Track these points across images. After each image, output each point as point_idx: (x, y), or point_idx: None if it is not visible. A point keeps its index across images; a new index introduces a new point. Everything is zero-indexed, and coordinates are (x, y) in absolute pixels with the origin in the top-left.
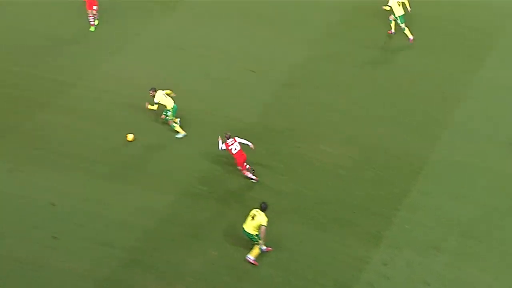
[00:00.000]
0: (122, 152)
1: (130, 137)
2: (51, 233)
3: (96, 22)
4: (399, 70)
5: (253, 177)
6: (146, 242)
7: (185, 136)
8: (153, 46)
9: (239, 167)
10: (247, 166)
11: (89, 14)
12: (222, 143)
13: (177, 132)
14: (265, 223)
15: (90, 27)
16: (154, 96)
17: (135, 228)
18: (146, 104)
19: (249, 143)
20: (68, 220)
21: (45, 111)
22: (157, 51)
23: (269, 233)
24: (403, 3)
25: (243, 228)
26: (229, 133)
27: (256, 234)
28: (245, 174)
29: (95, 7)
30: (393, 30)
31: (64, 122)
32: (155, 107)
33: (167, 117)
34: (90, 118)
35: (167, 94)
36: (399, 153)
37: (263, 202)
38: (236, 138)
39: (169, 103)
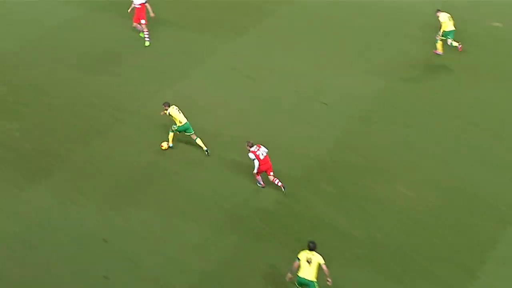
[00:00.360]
0: (180, 186)
1: (164, 145)
2: (102, 272)
3: (147, 40)
4: (485, 105)
5: (263, 185)
6: (204, 286)
7: (171, 147)
8: (219, 74)
9: (255, 173)
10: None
11: (138, 27)
12: (249, 154)
13: (168, 140)
14: (324, 261)
15: (145, 43)
16: (166, 111)
17: (193, 270)
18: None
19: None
20: (121, 258)
21: (101, 140)
22: (223, 79)
23: (337, 283)
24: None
25: (299, 277)
26: (251, 141)
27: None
28: (256, 178)
29: (142, 21)
30: (440, 51)
31: (120, 152)
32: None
33: (173, 129)
34: (148, 149)
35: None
36: (486, 197)
37: (311, 242)
38: (260, 145)
39: (182, 118)
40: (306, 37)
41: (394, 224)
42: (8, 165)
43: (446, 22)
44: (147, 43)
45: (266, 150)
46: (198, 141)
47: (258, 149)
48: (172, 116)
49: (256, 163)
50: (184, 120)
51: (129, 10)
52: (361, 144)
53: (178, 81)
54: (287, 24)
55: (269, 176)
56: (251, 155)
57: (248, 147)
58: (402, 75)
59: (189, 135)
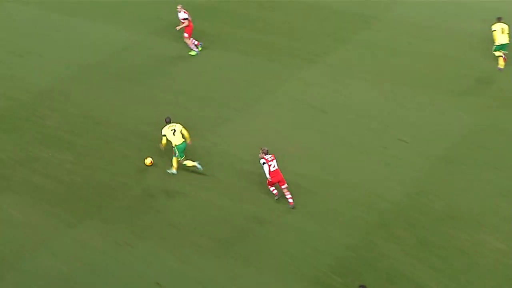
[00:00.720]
0: (239, 226)
1: (148, 161)
2: None
3: (193, 53)
4: None
5: (276, 194)
6: None
7: (174, 174)
8: (288, 105)
9: (270, 186)
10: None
11: (189, 42)
12: (261, 161)
13: (171, 167)
14: None
15: (190, 51)
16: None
17: None
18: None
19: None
20: None
21: (157, 174)
22: (293, 110)
23: None
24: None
25: None
26: (266, 149)
27: None
28: (269, 186)
29: (186, 34)
30: (501, 66)
31: (176, 189)
32: (163, 140)
33: (175, 154)
34: (208, 186)
35: (181, 132)
36: None
37: (362, 285)
38: (275, 158)
39: (174, 140)
40: (383, 67)
41: (482, 280)
42: (57, 199)
43: (498, 33)
44: (193, 53)
45: (277, 166)
46: (188, 162)
47: (271, 160)
48: (164, 137)
49: (266, 167)
50: (178, 142)
51: (178, 28)
52: (443, 188)
53: (243, 111)
54: (363, 52)
55: (282, 189)
56: (262, 161)
57: (263, 154)
58: (493, 111)
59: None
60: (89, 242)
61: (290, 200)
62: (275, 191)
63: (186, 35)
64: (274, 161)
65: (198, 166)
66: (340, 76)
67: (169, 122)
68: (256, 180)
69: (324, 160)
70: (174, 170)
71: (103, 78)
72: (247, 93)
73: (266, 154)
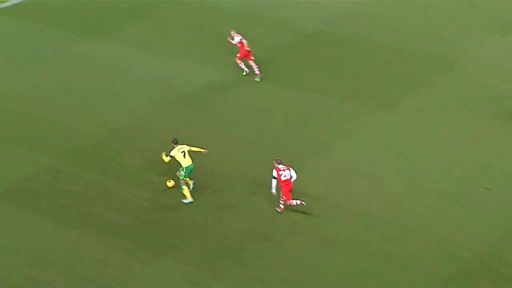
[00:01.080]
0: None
1: (170, 184)
2: None
3: (244, 73)
4: None
5: (300, 202)
6: None
7: (191, 202)
8: (366, 148)
9: (284, 198)
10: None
11: (242, 65)
12: (274, 168)
13: (185, 197)
14: None
15: (243, 72)
16: (173, 148)
17: None
18: (162, 153)
19: (294, 176)
20: None
21: (235, 215)
22: (371, 153)
23: None
24: None
25: None
26: (280, 159)
27: None
28: (291, 204)
29: (237, 57)
30: None
31: (252, 231)
32: (167, 159)
33: (180, 176)
34: (292, 229)
35: (190, 151)
36: None
37: None
38: (290, 168)
39: (184, 163)
40: (466, 112)
41: None
42: (133, 237)
43: None
44: (244, 73)
45: (293, 177)
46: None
47: (284, 171)
48: (174, 158)
49: (274, 182)
50: (187, 163)
51: (239, 60)
52: None
53: (320, 152)
54: (445, 96)
55: (290, 201)
56: (274, 173)
57: (276, 164)
58: None
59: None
60: (162, 281)
61: (299, 202)
62: (297, 201)
63: (238, 55)
64: (287, 171)
65: (187, 200)
66: (420, 119)
67: (177, 144)
68: (332, 220)
69: (402, 204)
70: (187, 200)
71: (182, 114)
72: (325, 134)
73: (279, 164)
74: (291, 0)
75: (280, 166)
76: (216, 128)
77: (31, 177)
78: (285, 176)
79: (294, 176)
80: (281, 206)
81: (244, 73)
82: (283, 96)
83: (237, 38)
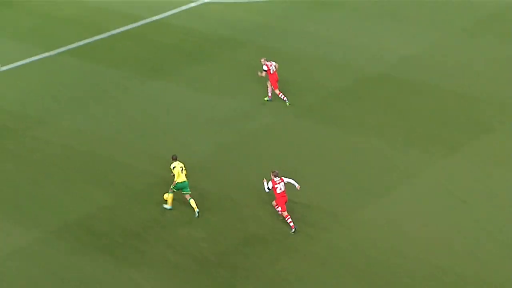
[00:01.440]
0: None
1: (166, 196)
2: None
3: (266, 98)
4: None
5: (292, 226)
6: None
7: (170, 209)
8: (427, 193)
9: (280, 208)
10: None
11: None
12: (268, 182)
13: (166, 201)
14: None
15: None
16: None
17: None
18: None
19: (296, 184)
20: None
21: (291, 259)
22: (433, 199)
23: None
24: None
25: None
26: (276, 171)
27: None
28: (283, 215)
29: (269, 82)
30: None
31: (311, 274)
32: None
33: (172, 186)
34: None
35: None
36: None
37: None
38: (284, 178)
39: (180, 178)
40: None
41: None
42: (190, 277)
43: None
44: (266, 98)
45: (296, 184)
46: (192, 202)
47: (279, 183)
48: (172, 171)
49: (266, 187)
50: (181, 180)
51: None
52: None
53: (381, 197)
54: (509, 143)
55: (285, 215)
56: (270, 184)
57: (272, 176)
58: None
59: (184, 194)
60: None
61: (291, 224)
62: (290, 221)
63: (270, 86)
64: (282, 183)
65: (168, 207)
66: (483, 165)
67: (176, 160)
68: (390, 265)
69: (464, 253)
70: (168, 206)
71: (244, 154)
72: (385, 177)
73: (276, 177)
74: (354, 45)
75: (276, 179)
76: (282, 165)
77: (92, 214)
78: (280, 188)
79: (296, 183)
80: (291, 224)
81: (288, 103)
82: (343, 139)
83: (264, 67)
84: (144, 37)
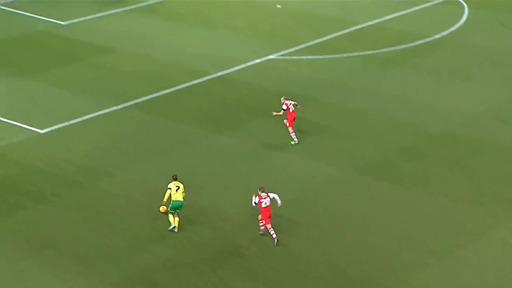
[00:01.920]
0: None
1: (162, 209)
2: None
3: (293, 142)
4: None
5: (275, 238)
6: None
7: (174, 227)
8: (492, 254)
9: (263, 222)
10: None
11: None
12: (256, 196)
13: (170, 224)
14: None
15: (291, 141)
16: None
17: None
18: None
19: (278, 200)
20: None
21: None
22: (496, 260)
23: None
24: None
25: None
26: (263, 188)
27: None
28: (270, 231)
29: (286, 122)
30: None
31: None
32: (167, 193)
33: (169, 210)
34: None
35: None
36: None
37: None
38: (270, 194)
39: (175, 197)
40: None
41: None
42: None
43: None
44: (293, 142)
45: (278, 200)
46: (176, 219)
47: (265, 198)
48: (169, 190)
49: (253, 202)
50: (178, 198)
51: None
52: None
53: (442, 257)
54: None
55: (268, 228)
56: (256, 199)
57: (260, 192)
58: None
59: (178, 212)
60: None
61: (274, 236)
62: (274, 234)
63: (286, 122)
64: (267, 199)
65: (174, 229)
66: None
67: (176, 179)
68: None
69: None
70: (172, 225)
71: (303, 211)
72: (449, 237)
73: (262, 192)
74: (418, 103)
75: (263, 194)
76: (346, 222)
77: (153, 267)
78: (265, 203)
79: (279, 200)
80: (261, 228)
81: (293, 143)
82: (405, 196)
83: (284, 106)
84: (209, 92)
